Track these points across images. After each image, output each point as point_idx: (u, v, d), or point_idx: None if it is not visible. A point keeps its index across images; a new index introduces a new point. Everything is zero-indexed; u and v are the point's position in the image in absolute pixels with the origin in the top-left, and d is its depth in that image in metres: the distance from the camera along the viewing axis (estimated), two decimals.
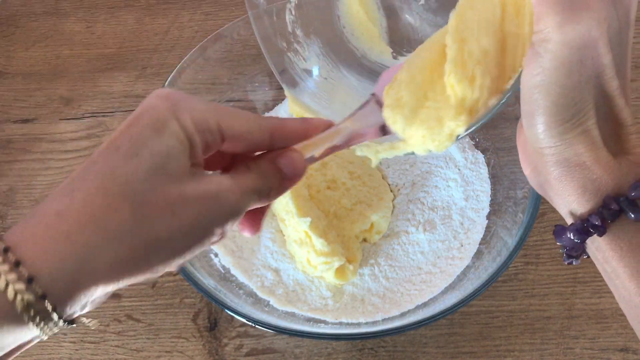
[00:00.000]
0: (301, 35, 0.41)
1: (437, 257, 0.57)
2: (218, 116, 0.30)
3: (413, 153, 0.37)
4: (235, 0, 0.80)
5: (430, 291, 0.55)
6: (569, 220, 0.34)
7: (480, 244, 0.57)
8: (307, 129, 0.34)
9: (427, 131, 0.32)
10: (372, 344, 0.56)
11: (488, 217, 0.58)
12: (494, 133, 0.60)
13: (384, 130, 0.34)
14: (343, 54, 0.43)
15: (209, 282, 0.52)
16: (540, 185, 0.35)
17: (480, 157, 0.61)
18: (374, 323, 0.54)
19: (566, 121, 0.31)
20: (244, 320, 0.49)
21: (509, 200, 0.56)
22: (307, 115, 0.38)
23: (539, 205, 0.51)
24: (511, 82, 0.31)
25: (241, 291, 0.56)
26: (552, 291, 0.57)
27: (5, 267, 0.25)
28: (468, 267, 0.56)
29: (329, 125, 0.34)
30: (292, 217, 0.55)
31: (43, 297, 0.25)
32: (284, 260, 0.58)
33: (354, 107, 0.42)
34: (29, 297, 0.25)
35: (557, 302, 0.57)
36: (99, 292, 0.27)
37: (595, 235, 0.32)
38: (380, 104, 0.33)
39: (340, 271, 0.56)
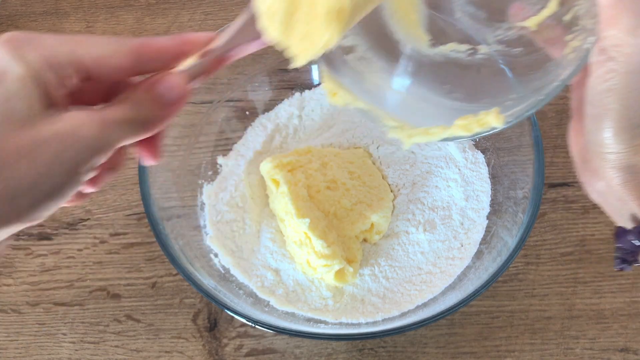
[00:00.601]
0: None
1: (437, 257, 0.57)
2: (72, 46, 0.29)
3: (446, 140, 0.36)
4: (235, 0, 0.80)
5: (430, 291, 0.55)
6: (629, 225, 0.34)
7: (480, 244, 0.57)
8: (180, 45, 0.32)
9: (304, 38, 0.31)
10: (372, 344, 0.56)
11: (488, 217, 0.58)
12: (494, 133, 0.60)
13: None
14: (380, 36, 0.42)
15: (209, 282, 0.52)
16: (599, 191, 0.35)
17: (480, 157, 0.61)
18: (374, 323, 0.53)
19: (637, 126, 0.31)
20: (244, 320, 0.49)
21: (509, 200, 0.56)
22: (341, 92, 0.37)
23: (539, 205, 0.51)
24: None
25: (241, 291, 0.56)
26: (552, 291, 0.57)
27: None
28: (468, 267, 0.56)
29: (207, 39, 0.33)
30: (292, 217, 0.55)
31: None
32: (284, 261, 0.58)
33: (386, 91, 0.40)
34: None
35: (557, 302, 0.57)
36: None
37: None
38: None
39: (340, 274, 0.55)
